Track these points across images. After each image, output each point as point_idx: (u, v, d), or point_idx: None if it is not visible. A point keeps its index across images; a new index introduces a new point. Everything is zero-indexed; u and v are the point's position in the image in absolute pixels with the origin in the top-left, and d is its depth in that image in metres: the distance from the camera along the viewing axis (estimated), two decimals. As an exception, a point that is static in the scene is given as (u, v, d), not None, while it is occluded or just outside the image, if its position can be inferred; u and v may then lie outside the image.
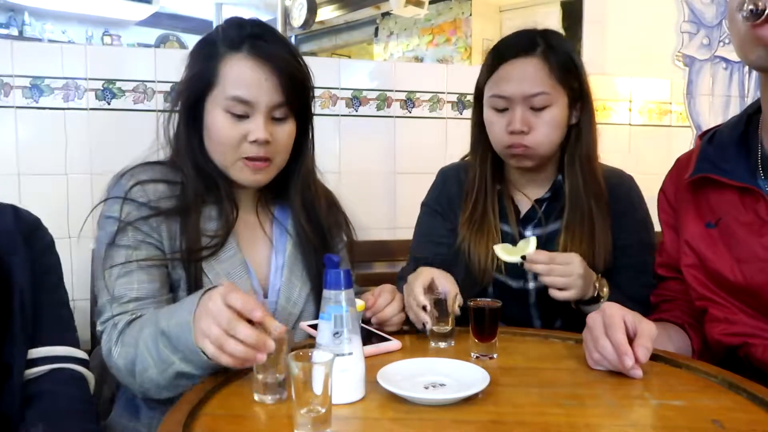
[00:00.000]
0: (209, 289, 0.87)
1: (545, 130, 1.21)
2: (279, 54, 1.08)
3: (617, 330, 0.87)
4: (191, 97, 1.10)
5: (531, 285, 1.28)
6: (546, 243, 1.26)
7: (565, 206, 1.27)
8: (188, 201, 1.09)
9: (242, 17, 1.13)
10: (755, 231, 0.97)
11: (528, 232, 1.30)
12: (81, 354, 0.96)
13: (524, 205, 1.33)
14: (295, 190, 1.20)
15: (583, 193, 1.25)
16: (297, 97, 1.11)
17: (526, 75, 1.20)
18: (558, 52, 1.21)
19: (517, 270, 1.25)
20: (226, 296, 0.81)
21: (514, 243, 1.23)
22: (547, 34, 1.24)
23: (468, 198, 1.32)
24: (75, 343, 0.98)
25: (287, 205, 1.22)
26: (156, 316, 0.93)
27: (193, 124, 1.11)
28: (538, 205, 1.30)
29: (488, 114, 1.26)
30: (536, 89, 1.19)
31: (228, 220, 1.12)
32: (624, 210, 1.28)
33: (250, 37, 1.08)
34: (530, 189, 1.33)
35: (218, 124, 1.07)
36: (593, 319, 0.92)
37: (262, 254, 1.19)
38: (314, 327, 0.92)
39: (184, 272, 1.07)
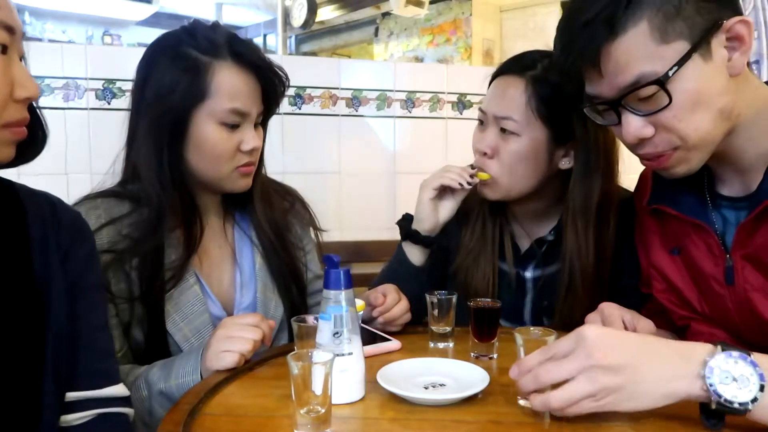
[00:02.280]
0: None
1: (508, 160, 1.14)
2: (261, 60, 1.06)
3: (616, 328, 0.87)
4: (178, 112, 1.01)
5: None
6: (544, 285, 1.22)
7: (565, 253, 1.17)
8: (146, 236, 1.02)
9: (201, 20, 1.08)
10: (710, 264, 0.94)
11: (528, 273, 1.24)
12: (123, 392, 0.83)
13: (525, 243, 1.26)
14: (256, 194, 1.16)
15: (584, 249, 1.14)
16: (277, 103, 1.12)
17: (503, 95, 1.14)
18: (548, 85, 1.11)
19: (514, 311, 1.23)
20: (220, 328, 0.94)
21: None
22: (553, 63, 1.11)
23: (466, 226, 1.27)
24: (114, 375, 0.84)
25: (246, 212, 1.18)
26: (146, 380, 0.94)
27: (173, 139, 1.03)
28: (539, 244, 1.23)
29: (475, 126, 1.23)
30: (504, 112, 1.13)
31: (189, 246, 1.06)
32: (635, 251, 1.15)
33: (227, 42, 1.04)
34: (533, 226, 1.25)
35: (214, 136, 1.02)
36: (592, 319, 0.92)
37: (225, 271, 1.14)
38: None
39: (144, 310, 1.01)
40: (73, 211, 0.84)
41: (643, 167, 1.04)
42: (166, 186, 1.03)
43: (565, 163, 1.16)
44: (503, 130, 1.14)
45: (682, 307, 1.02)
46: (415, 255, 1.23)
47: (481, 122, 1.20)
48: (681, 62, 0.79)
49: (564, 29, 0.88)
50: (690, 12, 0.79)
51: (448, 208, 1.21)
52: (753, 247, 0.88)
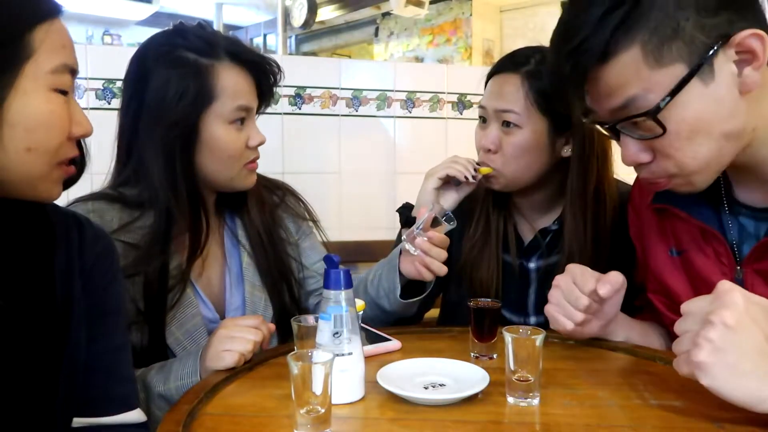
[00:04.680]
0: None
1: (512, 153, 1.16)
2: (256, 56, 1.07)
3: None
4: (188, 119, 1.00)
5: (532, 320, 1.26)
6: (547, 275, 1.22)
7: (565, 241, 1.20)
8: (154, 247, 1.01)
9: (184, 22, 1.07)
10: (716, 272, 0.90)
11: (531, 264, 1.26)
12: (139, 417, 0.80)
13: (529, 235, 1.27)
14: (250, 193, 1.15)
15: (582, 233, 1.17)
16: (272, 93, 1.13)
17: (502, 90, 1.17)
18: (542, 78, 1.15)
19: (518, 302, 1.24)
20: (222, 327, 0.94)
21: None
22: (545, 57, 1.15)
23: (470, 220, 1.28)
24: (132, 399, 0.80)
25: (236, 212, 1.18)
26: (143, 382, 0.93)
27: (184, 146, 1.02)
28: (543, 235, 1.25)
29: (477, 125, 1.25)
30: (505, 106, 1.15)
31: (194, 252, 1.05)
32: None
33: (221, 42, 1.04)
34: (536, 217, 1.27)
35: (226, 137, 1.03)
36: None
37: (215, 272, 1.14)
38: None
39: (147, 329, 1.01)
40: (99, 231, 0.81)
41: None
42: (180, 194, 1.02)
43: (566, 151, 1.19)
44: (505, 124, 1.17)
45: (673, 310, 0.97)
46: None
47: (483, 119, 1.22)
48: (676, 90, 0.74)
49: (552, 51, 0.83)
50: (690, 31, 0.73)
51: (449, 200, 1.23)
52: None
